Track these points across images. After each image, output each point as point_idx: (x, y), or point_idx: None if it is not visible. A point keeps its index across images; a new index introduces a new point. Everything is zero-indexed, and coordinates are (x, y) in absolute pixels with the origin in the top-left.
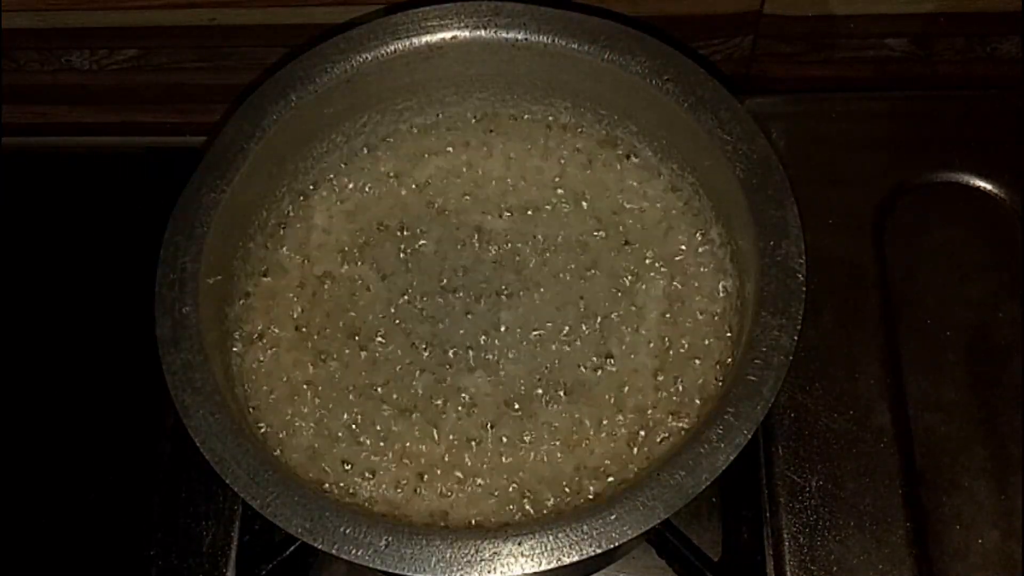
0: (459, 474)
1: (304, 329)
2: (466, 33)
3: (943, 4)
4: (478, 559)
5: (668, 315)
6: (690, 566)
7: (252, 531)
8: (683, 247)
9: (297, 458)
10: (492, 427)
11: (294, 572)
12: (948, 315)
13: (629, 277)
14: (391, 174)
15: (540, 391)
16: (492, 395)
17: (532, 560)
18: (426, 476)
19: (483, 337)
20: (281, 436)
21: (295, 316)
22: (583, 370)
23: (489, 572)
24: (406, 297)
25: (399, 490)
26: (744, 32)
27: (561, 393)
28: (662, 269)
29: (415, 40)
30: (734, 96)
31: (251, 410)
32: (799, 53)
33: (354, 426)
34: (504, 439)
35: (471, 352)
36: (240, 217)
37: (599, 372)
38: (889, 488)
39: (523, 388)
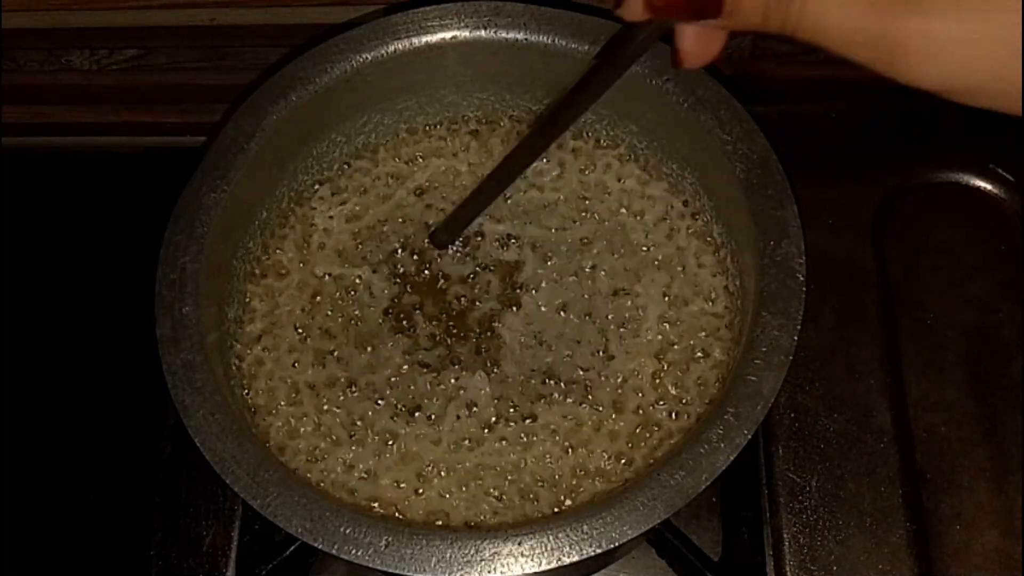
0: (459, 474)
1: (304, 330)
2: (466, 33)
3: None
4: (478, 559)
5: (668, 315)
6: (690, 566)
7: (252, 531)
8: (683, 247)
9: (297, 459)
10: (492, 427)
11: (294, 572)
12: (948, 315)
13: (629, 277)
14: (391, 175)
15: (540, 391)
16: (492, 395)
17: (532, 560)
18: (426, 476)
19: (483, 337)
20: (281, 436)
21: (295, 316)
22: (583, 371)
23: (489, 572)
24: (406, 298)
25: (399, 490)
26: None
27: (561, 393)
28: (662, 269)
29: (415, 40)
30: (734, 96)
31: (251, 410)
32: (799, 53)
33: (354, 426)
34: (504, 439)
35: (471, 352)
36: (240, 217)
37: (599, 372)
38: (889, 488)
39: (523, 388)
